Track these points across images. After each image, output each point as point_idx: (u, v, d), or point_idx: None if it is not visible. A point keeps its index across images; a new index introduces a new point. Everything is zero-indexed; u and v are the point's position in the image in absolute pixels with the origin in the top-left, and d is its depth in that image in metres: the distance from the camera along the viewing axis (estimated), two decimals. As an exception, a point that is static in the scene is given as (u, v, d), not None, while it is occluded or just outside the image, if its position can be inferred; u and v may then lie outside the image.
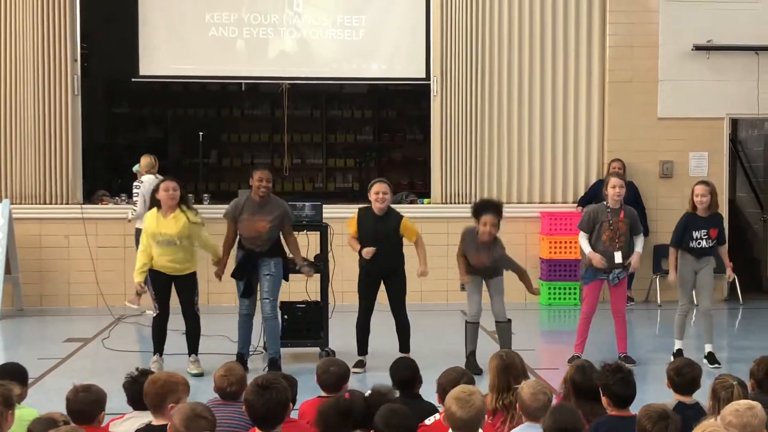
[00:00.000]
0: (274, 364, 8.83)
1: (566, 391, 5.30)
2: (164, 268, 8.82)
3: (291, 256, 9.18)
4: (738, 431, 4.04)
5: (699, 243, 9.30)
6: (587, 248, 9.26)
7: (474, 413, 4.52)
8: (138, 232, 11.74)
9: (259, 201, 8.88)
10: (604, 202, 9.36)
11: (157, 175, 11.94)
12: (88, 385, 5.26)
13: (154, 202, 8.88)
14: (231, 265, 9.14)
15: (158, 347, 8.95)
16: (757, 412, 4.39)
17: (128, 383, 5.47)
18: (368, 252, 8.91)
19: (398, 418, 4.53)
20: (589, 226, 9.31)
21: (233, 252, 9.16)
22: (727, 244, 9.62)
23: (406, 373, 5.77)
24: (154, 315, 8.98)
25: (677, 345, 9.44)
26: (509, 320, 9.25)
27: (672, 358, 9.01)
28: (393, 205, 9.40)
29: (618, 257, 9.19)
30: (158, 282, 8.87)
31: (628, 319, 9.74)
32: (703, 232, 9.29)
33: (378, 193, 9.00)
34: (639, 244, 9.40)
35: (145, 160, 12.04)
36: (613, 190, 9.20)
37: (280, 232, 9.02)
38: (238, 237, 9.03)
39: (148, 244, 8.79)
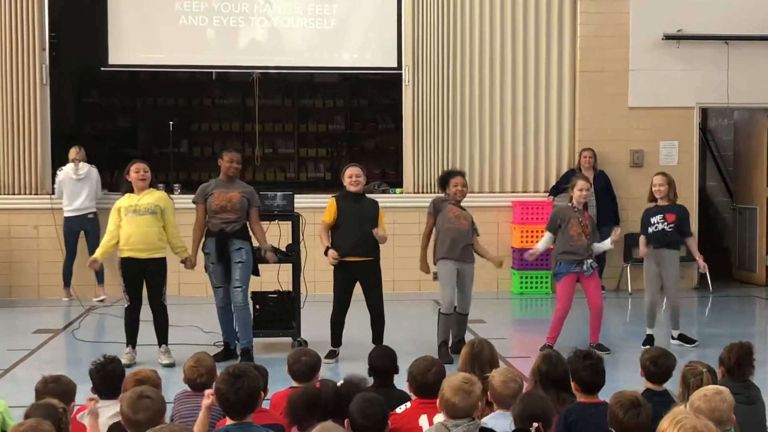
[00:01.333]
0: (246, 353, 8.81)
1: (534, 381, 5.33)
2: (136, 247, 8.70)
3: (257, 245, 9.11)
4: (706, 416, 4.06)
5: (657, 227, 9.43)
6: (540, 245, 9.48)
7: (474, 401, 4.58)
8: (65, 221, 12.09)
9: (227, 181, 8.95)
10: (570, 204, 9.39)
11: (78, 164, 12.13)
12: (57, 375, 5.25)
13: (127, 188, 8.85)
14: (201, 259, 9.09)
15: (131, 339, 8.87)
16: (725, 396, 4.43)
17: (94, 370, 5.44)
18: (334, 257, 8.87)
19: (374, 407, 4.53)
20: (554, 226, 9.36)
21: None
22: (692, 237, 9.76)
23: (385, 362, 5.77)
24: (126, 306, 8.87)
25: (648, 332, 9.59)
26: (467, 314, 9.33)
27: (641, 345, 9.14)
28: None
29: (592, 246, 9.29)
30: (129, 271, 8.78)
31: (599, 307, 9.77)
32: (659, 217, 9.45)
33: (352, 176, 9.04)
34: (604, 242, 9.53)
35: (71, 150, 12.36)
36: (580, 192, 9.25)
37: (247, 222, 8.97)
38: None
39: (117, 222, 8.74)
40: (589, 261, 9.24)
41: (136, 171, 8.82)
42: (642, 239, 9.63)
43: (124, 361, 8.38)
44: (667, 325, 9.95)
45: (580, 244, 9.18)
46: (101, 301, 11.94)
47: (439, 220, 9.20)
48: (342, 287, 9.04)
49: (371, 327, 9.12)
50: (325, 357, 8.55)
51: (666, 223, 9.42)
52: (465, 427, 4.47)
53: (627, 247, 13.10)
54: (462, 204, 9.27)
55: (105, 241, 8.90)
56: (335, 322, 9.09)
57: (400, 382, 5.65)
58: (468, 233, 9.19)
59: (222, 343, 9.18)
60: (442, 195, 9.42)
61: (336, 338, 9.12)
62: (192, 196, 9.13)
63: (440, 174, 9.94)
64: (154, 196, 8.85)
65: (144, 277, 8.82)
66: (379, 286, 9.13)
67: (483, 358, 5.49)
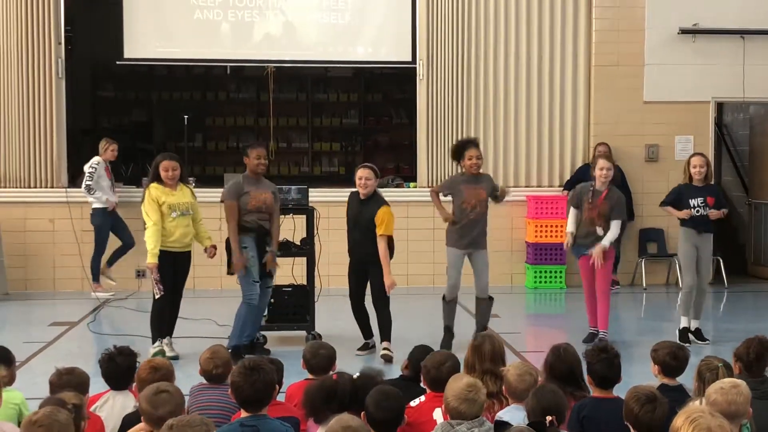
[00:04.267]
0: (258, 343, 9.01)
1: (545, 374, 5.34)
2: (174, 243, 8.73)
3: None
4: (723, 409, 4.04)
5: (698, 211, 9.38)
6: (570, 227, 9.34)
7: (480, 407, 4.59)
8: (95, 213, 12.00)
9: (256, 178, 8.90)
10: (591, 183, 9.37)
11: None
12: (71, 368, 5.26)
13: (155, 176, 8.79)
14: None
15: (168, 330, 8.83)
16: (742, 390, 4.40)
17: (104, 360, 5.45)
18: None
19: (389, 400, 4.55)
20: (574, 203, 9.38)
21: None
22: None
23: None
24: (158, 297, 8.73)
25: (683, 323, 9.45)
26: (491, 298, 9.24)
27: (678, 338, 9.06)
28: (381, 189, 9.26)
29: (600, 231, 9.21)
30: (164, 263, 8.72)
31: (614, 303, 9.74)
32: (700, 200, 9.40)
33: (361, 178, 8.90)
34: (613, 230, 9.23)
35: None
36: (601, 172, 9.24)
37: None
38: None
39: (159, 219, 8.67)
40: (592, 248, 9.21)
41: (166, 170, 8.73)
42: (683, 212, 9.40)
43: (168, 353, 8.51)
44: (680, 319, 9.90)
45: (586, 230, 9.20)
46: (110, 295, 11.95)
47: (454, 203, 9.17)
48: (353, 275, 9.04)
49: (378, 326, 9.02)
50: (359, 349, 8.88)
51: (706, 207, 9.40)
52: (469, 424, 4.48)
53: (641, 243, 13.06)
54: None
55: (154, 246, 8.61)
56: (353, 311, 9.09)
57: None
58: (478, 219, 9.12)
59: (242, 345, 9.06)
60: (457, 176, 9.36)
61: (364, 330, 9.09)
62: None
63: (454, 144, 9.72)
64: (187, 195, 8.89)
65: (174, 269, 8.82)
66: (379, 285, 8.84)
67: (483, 351, 5.50)
